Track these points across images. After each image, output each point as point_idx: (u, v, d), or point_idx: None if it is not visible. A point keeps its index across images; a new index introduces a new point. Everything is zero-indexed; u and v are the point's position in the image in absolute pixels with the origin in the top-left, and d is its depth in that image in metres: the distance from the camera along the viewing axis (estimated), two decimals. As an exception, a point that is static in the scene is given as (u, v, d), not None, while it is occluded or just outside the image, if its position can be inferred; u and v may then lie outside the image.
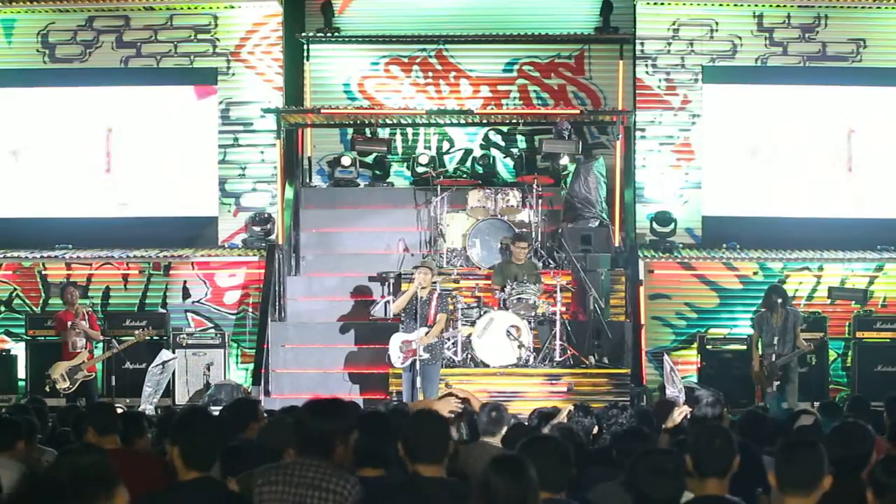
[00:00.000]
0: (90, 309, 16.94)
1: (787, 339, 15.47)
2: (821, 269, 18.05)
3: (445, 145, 19.87)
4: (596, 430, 8.84)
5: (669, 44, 18.42)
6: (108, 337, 16.87)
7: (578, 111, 18.47)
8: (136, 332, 16.68)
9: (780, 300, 15.62)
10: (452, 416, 8.98)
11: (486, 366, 15.59)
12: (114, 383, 16.53)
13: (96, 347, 16.61)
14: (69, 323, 16.22)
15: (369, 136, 19.41)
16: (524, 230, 16.97)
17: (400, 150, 19.80)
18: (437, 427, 5.82)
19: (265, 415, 8.83)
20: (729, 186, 18.35)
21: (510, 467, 4.94)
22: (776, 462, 5.18)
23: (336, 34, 19.52)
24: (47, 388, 16.55)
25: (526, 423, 9.20)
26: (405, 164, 19.71)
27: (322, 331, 17.22)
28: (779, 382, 15.44)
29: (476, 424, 9.22)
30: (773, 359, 15.34)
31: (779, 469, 5.12)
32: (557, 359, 15.83)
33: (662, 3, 18.41)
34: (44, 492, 3.68)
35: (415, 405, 9.59)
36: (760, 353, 15.67)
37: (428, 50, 19.69)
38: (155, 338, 17.00)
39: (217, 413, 10.15)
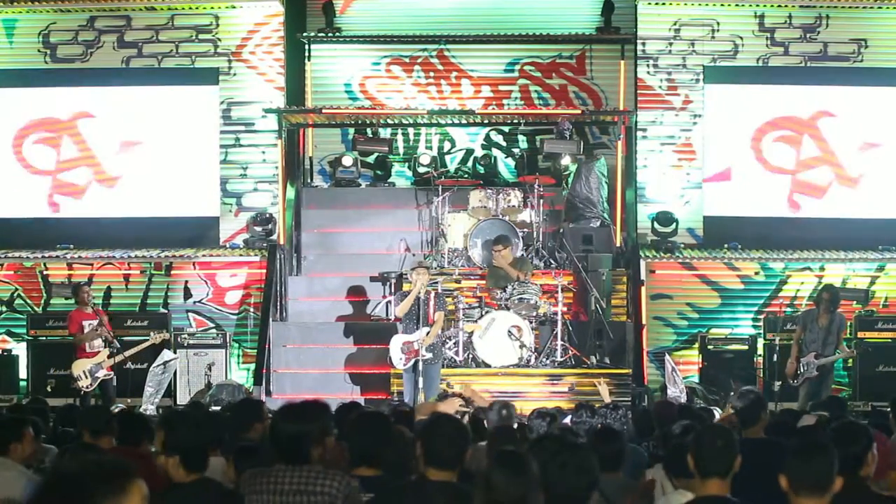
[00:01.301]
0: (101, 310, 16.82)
1: (829, 341, 15.46)
2: (822, 269, 18.04)
3: (447, 145, 19.87)
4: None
5: (671, 44, 18.42)
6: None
7: (580, 111, 18.48)
8: (152, 333, 16.59)
9: (831, 300, 15.60)
10: (458, 416, 8.99)
11: (488, 366, 15.59)
12: (115, 383, 16.50)
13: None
14: (87, 324, 16.10)
15: (371, 136, 19.44)
16: (519, 229, 16.94)
17: (401, 151, 19.81)
18: (458, 434, 5.78)
19: (269, 415, 8.83)
20: (730, 186, 18.34)
21: (511, 463, 4.93)
22: (788, 464, 5.17)
23: (337, 34, 19.53)
24: (49, 388, 16.57)
25: (525, 424, 9.20)
26: (406, 165, 19.71)
27: (323, 331, 17.23)
28: (801, 382, 15.47)
29: (480, 423, 9.24)
30: (814, 358, 15.34)
31: (791, 471, 5.12)
32: (559, 359, 15.83)
33: (664, 4, 18.41)
34: (62, 489, 3.66)
35: (421, 407, 9.60)
36: (798, 351, 15.62)
37: (429, 50, 19.69)
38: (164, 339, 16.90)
39: (210, 411, 10.16)
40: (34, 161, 18.62)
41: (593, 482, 5.16)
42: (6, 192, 18.67)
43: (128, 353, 16.03)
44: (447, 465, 5.64)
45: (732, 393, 8.57)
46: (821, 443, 5.31)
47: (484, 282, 16.54)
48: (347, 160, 19.02)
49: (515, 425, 8.48)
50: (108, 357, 15.88)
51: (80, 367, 15.89)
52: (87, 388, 15.84)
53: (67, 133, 18.60)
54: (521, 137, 19.73)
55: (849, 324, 17.20)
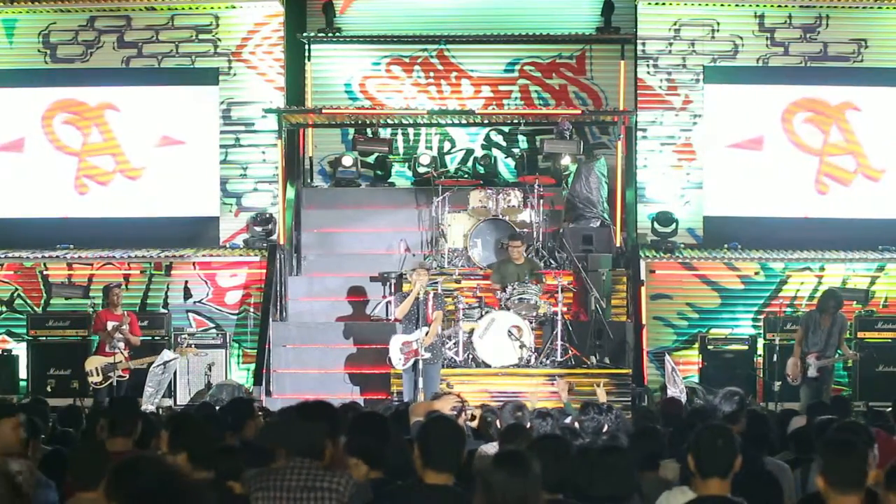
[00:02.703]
0: (132, 311, 16.78)
1: (830, 342, 15.65)
2: (822, 269, 18.05)
3: (447, 145, 19.87)
4: (606, 427, 8.87)
5: (671, 44, 18.41)
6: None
7: (580, 111, 18.48)
8: (178, 347, 16.58)
9: (835, 305, 15.71)
10: (454, 412, 9.01)
11: (488, 366, 15.59)
12: (115, 383, 16.49)
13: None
14: (110, 324, 16.09)
15: (371, 136, 19.43)
16: (519, 229, 16.97)
17: (401, 151, 19.81)
18: (455, 435, 5.77)
19: (260, 413, 8.85)
20: (730, 186, 18.34)
21: (510, 462, 4.92)
22: (823, 463, 5.16)
23: (337, 34, 19.53)
24: (49, 389, 16.56)
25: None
26: (406, 165, 19.71)
27: (323, 331, 17.24)
28: (801, 382, 15.53)
29: (489, 425, 9.26)
30: (815, 359, 15.43)
31: (827, 470, 5.11)
32: (559, 359, 15.83)
33: (664, 4, 18.40)
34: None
35: (415, 407, 9.61)
36: (801, 353, 15.73)
37: (429, 50, 19.69)
38: (204, 354, 16.88)
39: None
40: (64, 139, 18.58)
41: (634, 484, 5.18)
42: (34, 169, 18.57)
43: (139, 361, 16.05)
44: (445, 467, 5.62)
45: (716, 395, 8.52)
46: (852, 440, 5.31)
47: (484, 281, 16.56)
48: (347, 160, 19.02)
49: (528, 425, 8.49)
50: (127, 360, 15.91)
51: (92, 364, 15.92)
52: (96, 385, 15.86)
53: (94, 120, 18.56)
54: (521, 137, 19.72)
55: (849, 324, 17.22)
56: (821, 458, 5.22)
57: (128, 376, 16.01)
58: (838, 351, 15.69)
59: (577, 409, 10.23)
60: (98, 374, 15.87)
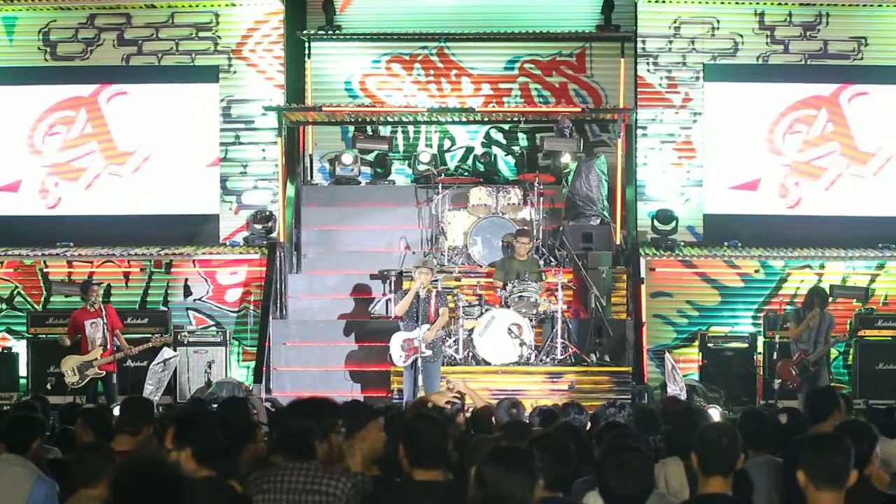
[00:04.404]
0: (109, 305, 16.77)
1: (819, 340, 15.76)
2: (822, 266, 18.07)
3: (447, 143, 19.86)
4: (589, 426, 8.89)
5: (671, 42, 18.42)
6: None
7: (580, 109, 18.50)
8: (154, 335, 16.57)
9: (820, 302, 15.82)
10: (449, 406, 9.00)
11: (488, 364, 15.59)
12: (115, 381, 16.49)
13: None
14: (88, 323, 16.05)
15: (371, 133, 19.44)
16: (526, 227, 17.01)
17: (401, 148, 19.80)
18: (438, 433, 5.77)
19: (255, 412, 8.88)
20: (730, 184, 18.34)
21: (504, 458, 4.92)
22: (805, 459, 5.19)
23: (337, 32, 19.54)
24: (49, 386, 16.55)
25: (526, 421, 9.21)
26: (406, 162, 19.71)
27: (323, 328, 17.24)
28: (799, 384, 15.61)
29: (479, 419, 9.27)
30: (806, 356, 15.55)
31: (808, 465, 5.13)
32: (559, 357, 15.83)
33: (664, 2, 18.40)
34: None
35: (412, 405, 9.62)
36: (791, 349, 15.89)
37: (429, 48, 19.69)
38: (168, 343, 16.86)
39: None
40: (44, 160, 18.57)
41: (650, 485, 5.19)
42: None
43: (124, 353, 16.07)
44: (432, 464, 5.64)
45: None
46: (836, 436, 5.33)
47: (484, 280, 16.56)
48: (347, 158, 19.00)
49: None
50: (104, 355, 15.87)
51: (68, 364, 15.89)
52: (74, 384, 15.81)
53: (89, 111, 18.52)
54: (521, 135, 19.72)
55: (848, 322, 17.26)
56: (803, 453, 5.25)
57: (105, 373, 15.95)
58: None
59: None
60: (75, 374, 15.84)
